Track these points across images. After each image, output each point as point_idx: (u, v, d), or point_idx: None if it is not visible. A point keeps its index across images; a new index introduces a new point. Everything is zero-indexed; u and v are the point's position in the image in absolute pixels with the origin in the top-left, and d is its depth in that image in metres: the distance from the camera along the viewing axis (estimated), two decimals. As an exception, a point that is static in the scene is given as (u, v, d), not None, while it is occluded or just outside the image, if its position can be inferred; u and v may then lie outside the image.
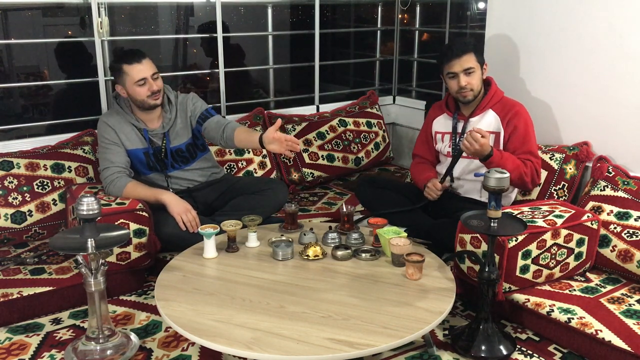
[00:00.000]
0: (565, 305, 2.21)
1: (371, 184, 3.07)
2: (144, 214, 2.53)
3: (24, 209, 2.72)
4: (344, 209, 2.63)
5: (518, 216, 2.32)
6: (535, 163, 2.70)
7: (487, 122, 2.76)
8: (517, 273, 2.28)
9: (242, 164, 3.35)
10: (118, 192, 2.64)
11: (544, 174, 2.89)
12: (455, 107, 2.85)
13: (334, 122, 3.75)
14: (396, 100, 4.34)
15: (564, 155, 2.90)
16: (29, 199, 2.74)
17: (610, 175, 2.66)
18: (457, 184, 2.85)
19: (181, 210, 2.63)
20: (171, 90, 2.89)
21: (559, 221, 2.36)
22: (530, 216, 2.41)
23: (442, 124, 2.92)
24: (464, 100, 2.74)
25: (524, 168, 2.64)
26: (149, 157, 2.79)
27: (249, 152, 3.38)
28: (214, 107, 2.95)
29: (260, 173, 3.38)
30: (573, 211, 2.47)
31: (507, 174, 2.05)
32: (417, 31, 4.26)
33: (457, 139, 2.82)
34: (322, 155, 3.63)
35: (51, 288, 2.40)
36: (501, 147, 2.73)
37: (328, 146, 3.66)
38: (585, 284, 2.39)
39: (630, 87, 2.69)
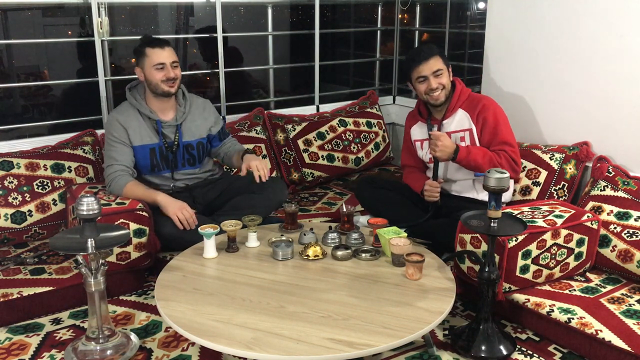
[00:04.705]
0: (565, 305, 2.21)
1: (371, 184, 3.08)
2: (144, 213, 2.53)
3: (24, 209, 2.72)
4: (344, 209, 2.63)
5: (518, 216, 2.32)
6: (510, 152, 2.71)
7: (459, 121, 2.79)
8: (517, 273, 2.28)
9: (242, 164, 3.34)
10: (119, 191, 2.64)
11: (544, 173, 2.89)
12: (427, 113, 2.88)
13: (334, 122, 3.75)
14: (396, 100, 4.33)
15: (564, 155, 2.90)
16: (29, 199, 2.74)
17: (610, 175, 2.65)
18: (446, 185, 2.86)
19: (176, 209, 2.63)
20: (184, 88, 2.91)
21: (559, 221, 2.36)
22: (530, 216, 2.41)
23: (418, 132, 2.95)
24: (436, 102, 2.77)
25: (497, 159, 2.67)
26: (155, 153, 2.78)
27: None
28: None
29: (260, 173, 3.37)
30: (573, 211, 2.47)
31: (507, 174, 2.05)
32: (417, 31, 4.26)
33: None
34: (322, 155, 3.63)
35: (51, 288, 2.40)
36: (477, 143, 2.76)
37: (328, 146, 3.66)
38: (585, 284, 2.39)
39: (630, 87, 2.69)
